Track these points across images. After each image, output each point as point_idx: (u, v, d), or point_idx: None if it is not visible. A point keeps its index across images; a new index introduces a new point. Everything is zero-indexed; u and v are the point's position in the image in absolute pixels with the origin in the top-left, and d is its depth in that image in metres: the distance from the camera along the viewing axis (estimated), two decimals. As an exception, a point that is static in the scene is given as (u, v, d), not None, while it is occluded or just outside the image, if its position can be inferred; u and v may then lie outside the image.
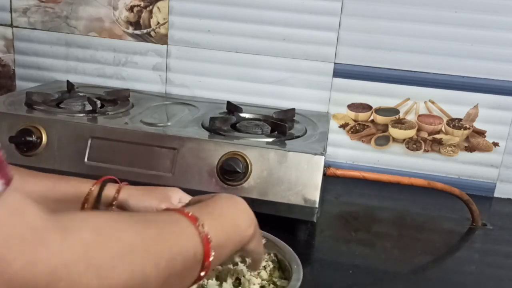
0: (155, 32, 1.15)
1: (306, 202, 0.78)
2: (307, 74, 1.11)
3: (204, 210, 0.48)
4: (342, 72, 1.10)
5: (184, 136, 0.83)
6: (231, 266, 0.60)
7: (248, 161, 0.80)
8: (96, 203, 0.61)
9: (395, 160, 1.12)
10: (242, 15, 1.10)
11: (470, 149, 1.09)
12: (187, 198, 0.64)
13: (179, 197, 0.65)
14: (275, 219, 0.74)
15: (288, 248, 0.63)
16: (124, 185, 0.64)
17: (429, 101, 1.08)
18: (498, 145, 1.08)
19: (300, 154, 0.80)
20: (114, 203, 0.62)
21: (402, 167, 1.12)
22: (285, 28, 1.09)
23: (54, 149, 0.85)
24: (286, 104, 1.10)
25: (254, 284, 0.59)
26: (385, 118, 1.11)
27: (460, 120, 1.08)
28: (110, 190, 0.62)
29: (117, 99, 1.03)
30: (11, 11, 1.20)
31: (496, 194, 1.10)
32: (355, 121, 1.12)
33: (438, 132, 1.09)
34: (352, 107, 1.12)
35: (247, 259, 0.58)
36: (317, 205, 0.78)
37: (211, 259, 0.44)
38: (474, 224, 0.93)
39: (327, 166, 0.85)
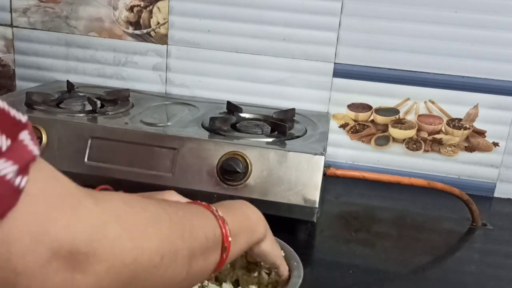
0: (155, 32, 1.15)
1: (306, 202, 0.78)
2: (307, 74, 1.11)
3: (213, 204, 0.50)
4: (342, 72, 1.10)
5: (184, 136, 0.83)
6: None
7: (248, 161, 0.79)
8: None
9: (395, 160, 1.12)
10: (242, 15, 1.10)
11: (470, 149, 1.09)
12: (183, 200, 0.64)
13: (175, 200, 0.65)
14: (275, 219, 0.73)
15: (287, 247, 0.63)
16: None
17: (429, 101, 1.08)
18: (498, 145, 1.08)
19: (300, 154, 0.80)
20: None
21: (402, 167, 1.12)
22: (285, 28, 1.09)
23: (54, 149, 0.85)
24: (286, 104, 1.10)
25: (252, 284, 0.59)
26: (385, 118, 1.11)
27: (460, 120, 1.08)
28: None
29: (117, 99, 1.03)
30: (11, 11, 1.20)
31: (496, 194, 1.10)
32: (355, 121, 1.12)
33: (438, 132, 1.09)
34: (352, 107, 1.12)
35: (273, 271, 0.59)
36: (317, 205, 0.78)
37: (230, 239, 0.45)
38: (474, 224, 0.93)
39: (327, 166, 0.85)
